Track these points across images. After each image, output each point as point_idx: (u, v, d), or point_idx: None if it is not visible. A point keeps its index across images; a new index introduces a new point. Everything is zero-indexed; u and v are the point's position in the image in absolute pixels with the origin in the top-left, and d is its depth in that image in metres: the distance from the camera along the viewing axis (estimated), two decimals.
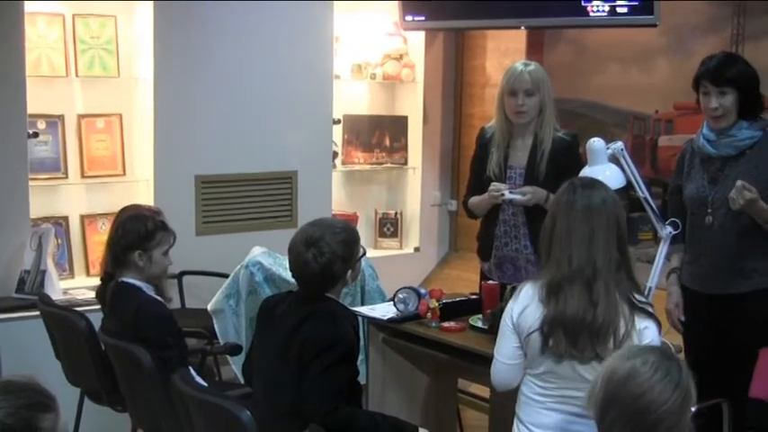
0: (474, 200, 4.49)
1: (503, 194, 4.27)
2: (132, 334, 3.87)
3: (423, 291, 4.24)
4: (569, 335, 3.04)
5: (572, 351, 3.05)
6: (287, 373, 3.48)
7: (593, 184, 3.21)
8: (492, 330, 3.77)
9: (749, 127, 3.88)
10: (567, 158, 4.20)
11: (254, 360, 3.74)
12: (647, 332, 3.04)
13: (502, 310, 3.82)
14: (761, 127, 3.90)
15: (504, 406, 3.71)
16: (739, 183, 3.69)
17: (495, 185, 4.32)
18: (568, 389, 3.09)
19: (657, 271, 3.78)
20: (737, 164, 3.87)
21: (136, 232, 4.00)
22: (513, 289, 3.91)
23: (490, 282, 4.22)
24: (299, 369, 3.44)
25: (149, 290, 4.02)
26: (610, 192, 3.18)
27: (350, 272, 3.61)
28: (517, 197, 4.25)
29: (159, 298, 4.06)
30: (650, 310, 3.11)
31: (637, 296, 3.09)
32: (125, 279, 4.01)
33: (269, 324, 3.65)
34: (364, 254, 3.75)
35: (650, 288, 3.76)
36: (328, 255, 3.50)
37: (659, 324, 3.11)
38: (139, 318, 3.90)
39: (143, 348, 3.77)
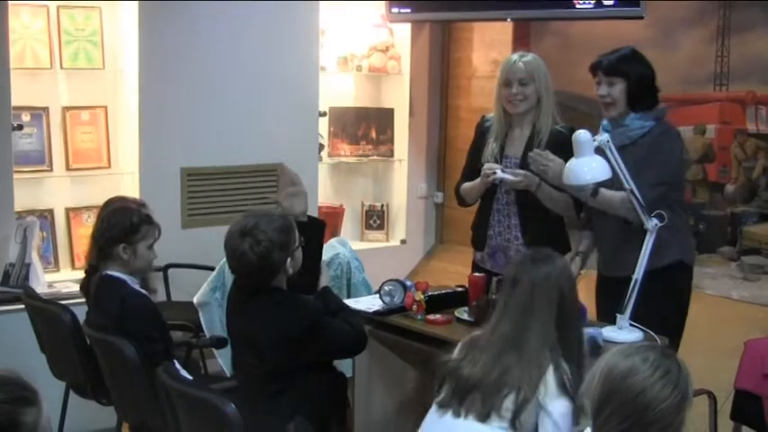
0: (467, 185, 4.48)
1: (495, 173, 4.25)
2: (117, 327, 3.85)
3: (409, 283, 4.24)
4: (458, 392, 3.06)
5: (455, 406, 3.06)
6: (267, 369, 3.48)
7: (542, 258, 3.17)
8: (478, 323, 3.77)
9: (641, 117, 4.03)
10: (563, 151, 4.15)
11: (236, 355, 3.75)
12: (554, 413, 2.99)
13: (487, 303, 3.83)
14: (654, 117, 4.05)
15: None
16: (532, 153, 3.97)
17: (488, 165, 4.31)
18: None
19: (644, 264, 3.78)
20: (631, 152, 3.95)
21: (121, 225, 3.97)
22: (500, 281, 3.92)
23: (477, 274, 4.22)
24: (288, 361, 3.46)
25: (134, 283, 4.00)
26: (558, 264, 3.17)
27: (289, 260, 3.54)
28: (509, 177, 4.23)
29: (144, 291, 4.04)
30: (570, 393, 3.01)
31: (567, 377, 3.01)
32: (109, 272, 3.99)
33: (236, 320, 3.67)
34: (302, 243, 3.66)
35: (636, 280, 3.77)
36: (265, 243, 3.43)
37: (575, 408, 3.00)
38: (124, 311, 3.88)
39: (128, 342, 3.75)
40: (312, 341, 3.48)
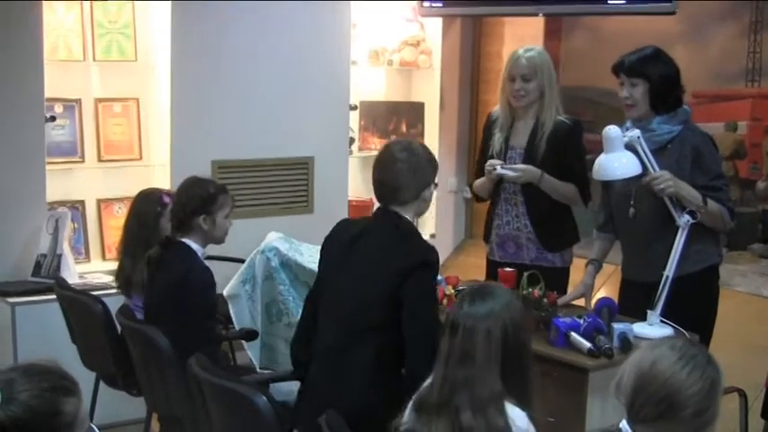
0: (477, 182, 4.58)
1: (495, 168, 4.31)
2: (176, 291, 3.88)
3: (439, 277, 4.23)
4: None
5: None
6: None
7: (483, 294, 2.78)
8: None
9: (668, 121, 3.94)
10: (566, 142, 4.31)
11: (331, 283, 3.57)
12: None
13: (518, 298, 3.82)
14: (680, 121, 3.96)
15: None
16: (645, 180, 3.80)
17: (489, 162, 4.39)
18: None
19: (675, 260, 3.76)
20: (659, 159, 3.85)
21: (199, 196, 4.01)
22: (531, 277, 3.92)
23: (507, 269, 4.22)
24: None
25: (203, 256, 4.04)
26: (502, 300, 2.76)
27: (428, 190, 3.50)
28: (508, 173, 4.31)
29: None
30: None
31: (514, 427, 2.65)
32: (185, 239, 4.02)
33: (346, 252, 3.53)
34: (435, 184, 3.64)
35: (667, 277, 3.75)
36: (422, 156, 3.48)
37: None
38: (187, 280, 3.89)
39: (160, 332, 3.77)
40: (411, 282, 3.29)
